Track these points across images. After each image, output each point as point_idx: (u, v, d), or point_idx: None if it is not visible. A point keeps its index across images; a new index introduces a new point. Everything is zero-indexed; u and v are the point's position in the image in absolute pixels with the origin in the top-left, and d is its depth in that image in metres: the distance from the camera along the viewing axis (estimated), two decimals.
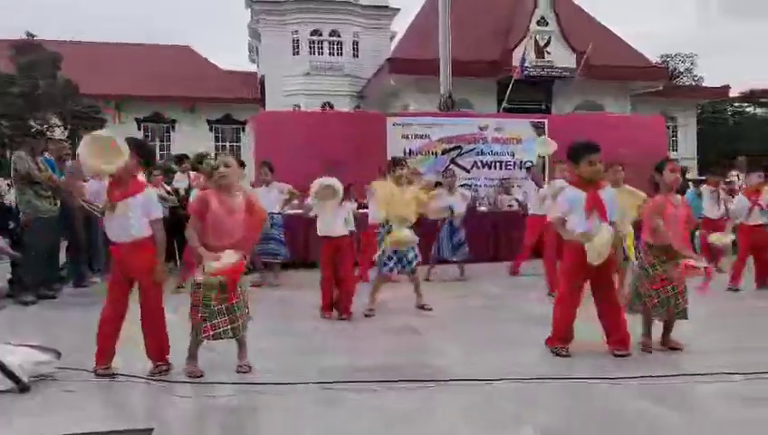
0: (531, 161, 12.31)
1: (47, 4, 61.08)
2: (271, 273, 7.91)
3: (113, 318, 3.97)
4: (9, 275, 7.14)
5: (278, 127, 11.91)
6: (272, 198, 7.48)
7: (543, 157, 11.26)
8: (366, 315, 5.93)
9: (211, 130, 30.50)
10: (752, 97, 33.94)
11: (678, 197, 4.72)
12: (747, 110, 35.54)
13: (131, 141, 3.92)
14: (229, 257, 3.75)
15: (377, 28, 31.52)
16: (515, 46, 23.60)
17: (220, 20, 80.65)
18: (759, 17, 69.09)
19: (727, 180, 11.63)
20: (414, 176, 7.84)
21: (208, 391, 3.71)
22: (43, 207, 6.85)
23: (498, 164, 12.26)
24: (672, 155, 22.23)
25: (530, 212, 8.32)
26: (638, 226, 5.16)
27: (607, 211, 4.31)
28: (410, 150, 11.98)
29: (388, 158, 8.74)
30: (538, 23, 24.34)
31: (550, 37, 24.28)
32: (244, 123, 30.25)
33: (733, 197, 8.60)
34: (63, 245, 7.64)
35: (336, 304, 5.93)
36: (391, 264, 6.10)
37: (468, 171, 12.23)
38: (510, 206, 10.87)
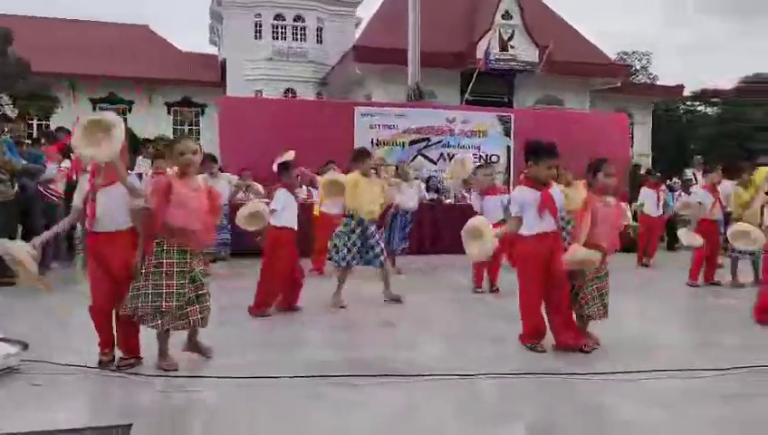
0: (497, 155, 12.45)
1: None
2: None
3: (101, 307, 3.85)
4: None
5: (243, 113, 11.72)
6: (219, 189, 7.38)
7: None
8: (341, 307, 5.89)
9: (169, 112, 29.80)
10: (703, 96, 35.03)
11: (611, 198, 4.50)
12: (698, 109, 36.64)
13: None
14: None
15: (342, 15, 31.15)
16: (480, 39, 23.72)
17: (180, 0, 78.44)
18: (723, 15, 71.20)
19: (685, 178, 12.21)
20: (380, 167, 7.79)
21: (186, 385, 3.60)
22: None
23: None
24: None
25: None
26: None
27: (557, 210, 4.42)
28: (377, 141, 11.95)
29: (355, 147, 8.68)
30: (503, 16, 24.50)
31: (513, 31, 24.48)
32: (203, 106, 29.63)
33: (689, 194, 8.93)
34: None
35: (288, 297, 5.73)
36: (349, 257, 5.99)
37: (435, 163, 12.30)
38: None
